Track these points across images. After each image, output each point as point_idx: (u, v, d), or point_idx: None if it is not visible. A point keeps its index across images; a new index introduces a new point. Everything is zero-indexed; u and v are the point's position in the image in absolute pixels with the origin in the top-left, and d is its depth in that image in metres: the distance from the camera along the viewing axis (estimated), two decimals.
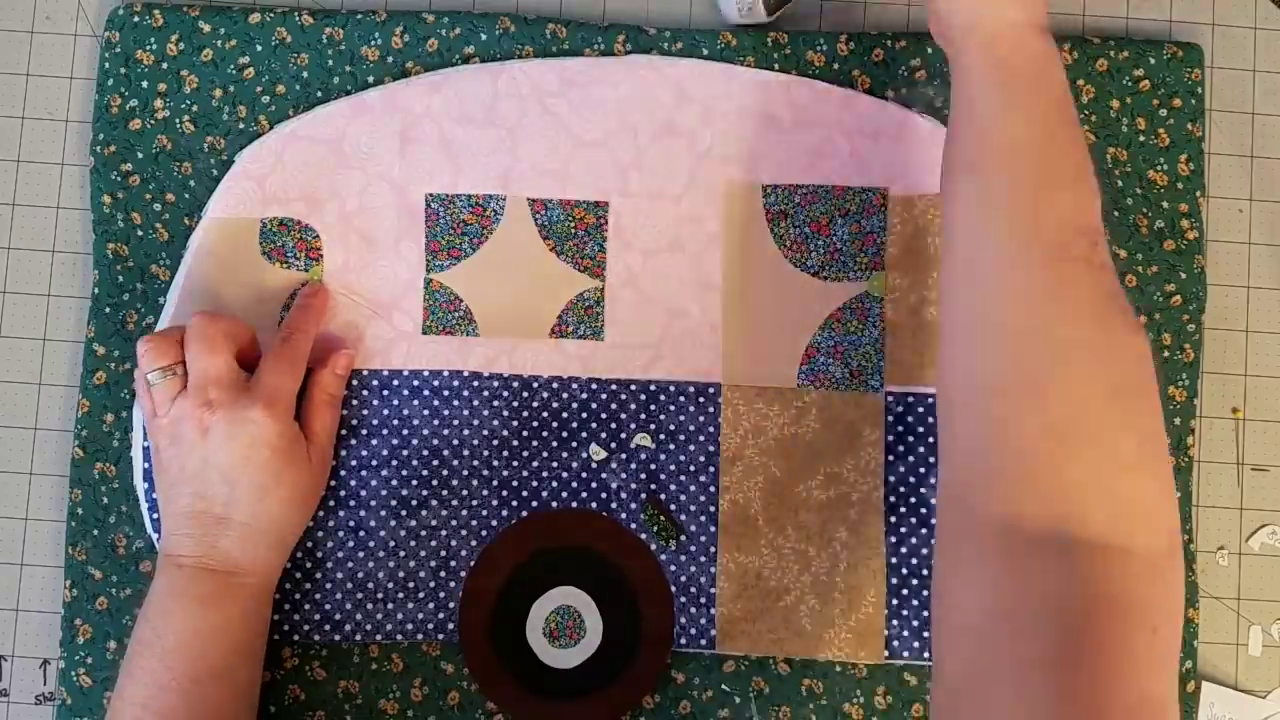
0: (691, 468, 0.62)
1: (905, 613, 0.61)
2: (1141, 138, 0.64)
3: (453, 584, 0.62)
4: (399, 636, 0.62)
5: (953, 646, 0.46)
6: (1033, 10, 0.52)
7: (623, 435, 0.63)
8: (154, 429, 0.57)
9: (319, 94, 0.65)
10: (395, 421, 0.63)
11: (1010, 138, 0.49)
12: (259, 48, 0.65)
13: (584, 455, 0.62)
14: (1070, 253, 0.47)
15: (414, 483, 0.62)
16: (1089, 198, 0.49)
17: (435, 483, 0.62)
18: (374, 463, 0.62)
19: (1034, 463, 0.45)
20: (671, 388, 0.63)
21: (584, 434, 0.63)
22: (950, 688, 0.45)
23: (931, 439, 0.62)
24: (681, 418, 0.63)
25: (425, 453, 0.63)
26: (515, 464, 0.62)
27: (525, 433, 0.63)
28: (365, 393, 0.63)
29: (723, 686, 0.62)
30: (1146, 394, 0.47)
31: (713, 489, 0.62)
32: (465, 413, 0.63)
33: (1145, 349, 0.47)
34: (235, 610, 0.56)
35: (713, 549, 0.62)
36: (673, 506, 0.62)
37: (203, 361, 0.56)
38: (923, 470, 0.62)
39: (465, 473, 0.62)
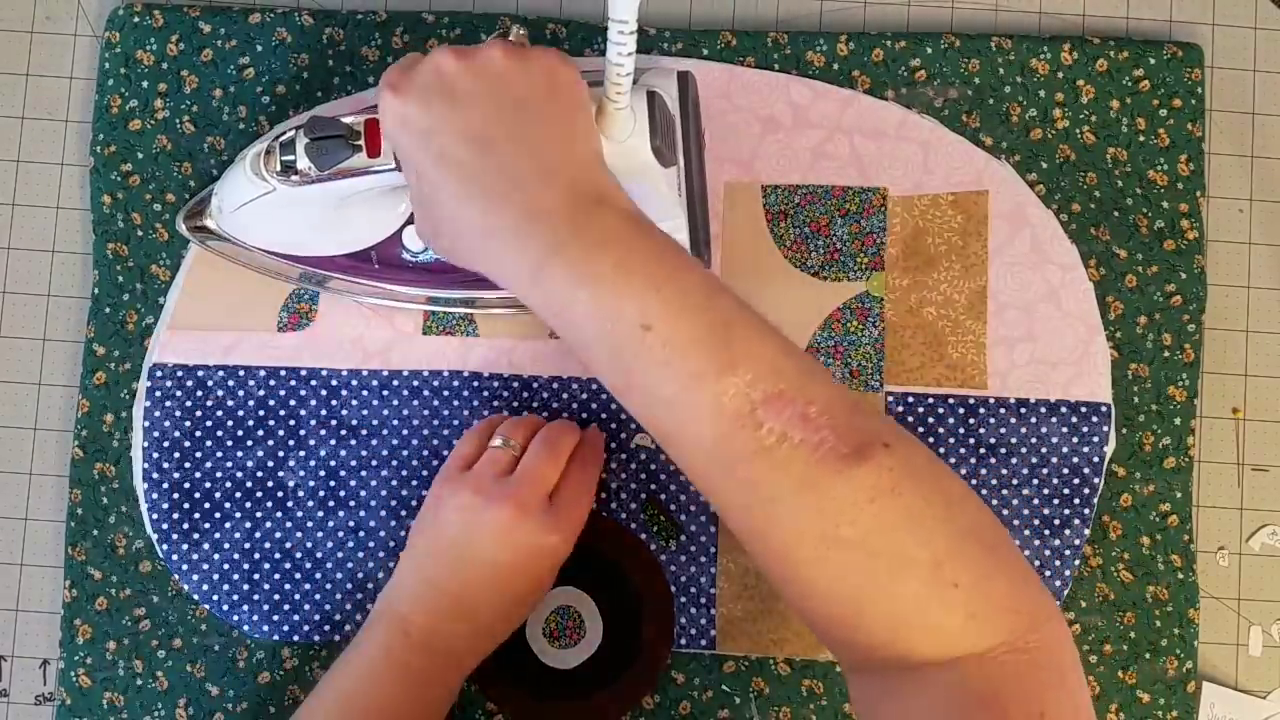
0: None
1: None
2: (1141, 138, 0.64)
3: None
4: None
5: None
6: (531, 245, 0.46)
7: (623, 435, 0.63)
8: (454, 480, 0.56)
9: (319, 94, 0.65)
10: (395, 421, 0.63)
11: (617, 373, 0.46)
12: (259, 48, 0.65)
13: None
14: (733, 449, 0.44)
15: (414, 483, 0.62)
16: (736, 377, 0.43)
17: None
18: (374, 463, 0.62)
19: (861, 602, 0.44)
20: None
21: None
22: None
23: (931, 439, 0.62)
24: None
25: (425, 453, 0.62)
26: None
27: None
28: (365, 393, 0.63)
29: (723, 686, 0.62)
30: (919, 509, 0.43)
31: None
32: (465, 413, 0.63)
33: (878, 478, 0.43)
34: (434, 694, 0.55)
35: (713, 549, 0.62)
36: (673, 506, 0.62)
37: (542, 466, 0.55)
38: None
39: None
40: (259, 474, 0.62)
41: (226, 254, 0.60)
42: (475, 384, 0.63)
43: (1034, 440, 0.62)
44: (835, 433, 0.43)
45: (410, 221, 0.57)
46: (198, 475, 0.62)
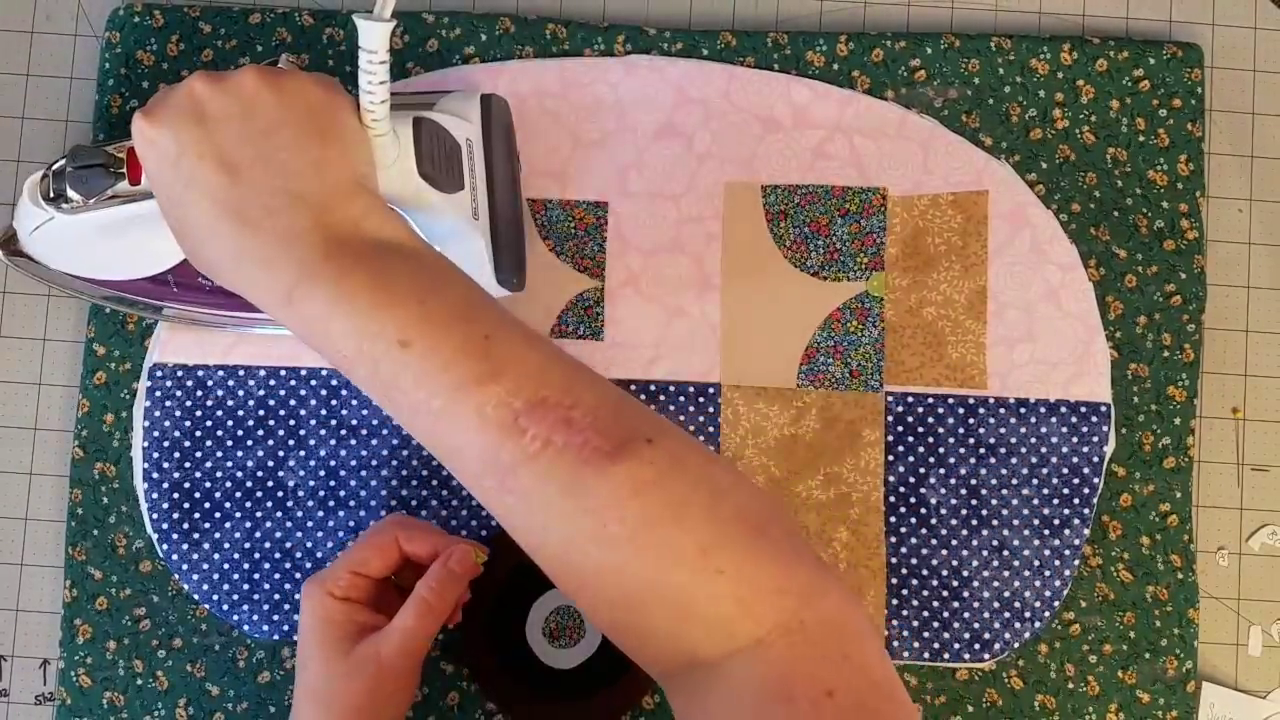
0: None
1: (905, 613, 0.61)
2: (1141, 138, 0.64)
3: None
4: None
5: None
6: (282, 268, 0.46)
7: None
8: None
9: None
10: (395, 422, 0.62)
11: (375, 391, 0.46)
12: (259, 48, 0.65)
13: None
14: (503, 462, 0.43)
15: (414, 483, 0.62)
16: (497, 386, 0.43)
17: (435, 483, 0.62)
18: (374, 463, 0.62)
19: (623, 629, 0.44)
20: (671, 388, 0.63)
21: None
22: None
23: (931, 439, 0.62)
24: (681, 418, 0.63)
25: (425, 453, 0.62)
26: None
27: None
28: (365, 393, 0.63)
29: None
30: (662, 514, 0.42)
31: None
32: None
33: (638, 471, 0.42)
34: None
35: None
36: None
37: (350, 551, 0.56)
38: (922, 470, 0.62)
39: None
40: (259, 474, 0.62)
41: (43, 277, 0.59)
42: None
43: (1034, 440, 0.62)
44: (598, 432, 0.42)
45: None
46: (198, 475, 0.62)
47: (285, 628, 0.62)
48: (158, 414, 0.62)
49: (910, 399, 0.63)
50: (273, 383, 0.63)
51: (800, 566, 0.43)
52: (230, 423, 0.63)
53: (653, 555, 0.42)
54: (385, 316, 0.44)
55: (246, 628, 0.62)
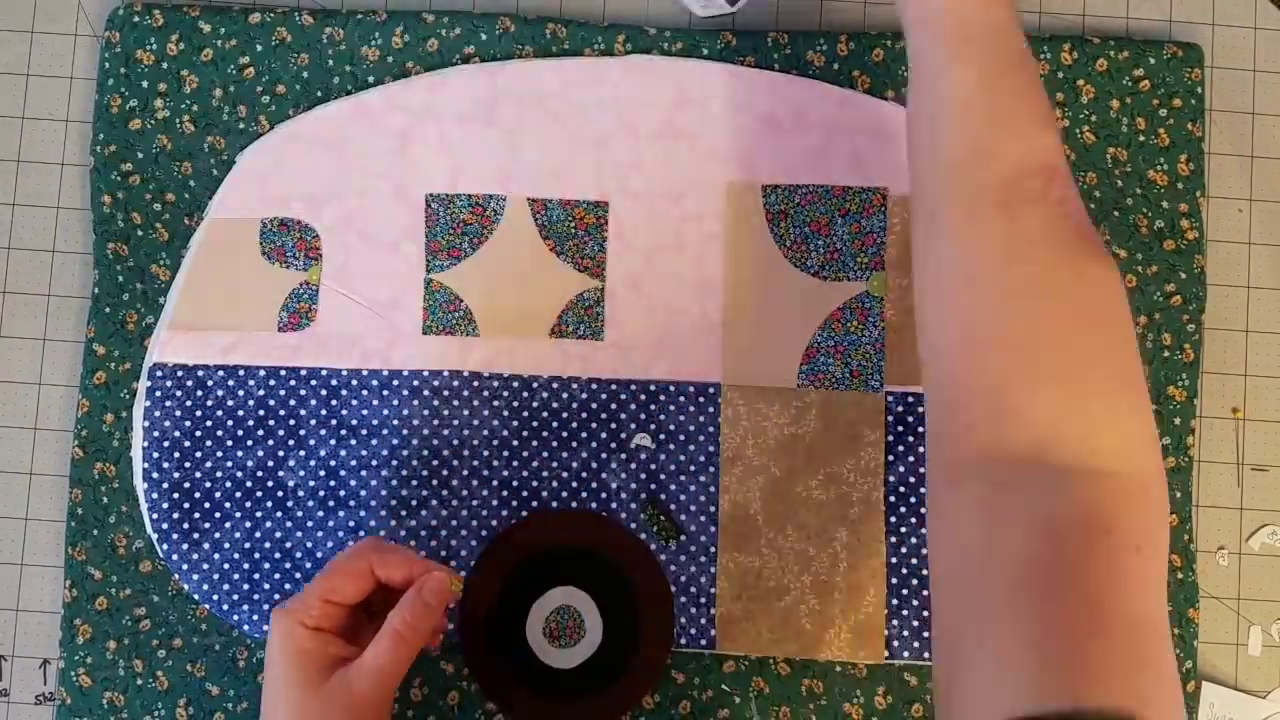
0: (691, 468, 0.62)
1: (905, 613, 0.61)
2: (1141, 138, 0.64)
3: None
4: None
5: (945, 582, 0.45)
6: None
7: (623, 435, 0.63)
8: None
9: (319, 94, 0.65)
10: (395, 421, 0.63)
11: (956, 89, 0.49)
12: (259, 48, 0.65)
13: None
14: (1023, 193, 0.47)
15: (414, 483, 0.62)
16: (1042, 137, 0.49)
17: (435, 483, 0.62)
18: (374, 463, 0.62)
19: (1005, 397, 0.45)
20: (671, 388, 0.63)
21: (584, 434, 0.63)
22: (945, 622, 0.44)
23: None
24: (681, 418, 0.63)
25: (425, 453, 0.63)
26: (515, 464, 0.62)
27: (525, 433, 0.63)
28: (365, 393, 0.63)
29: (723, 686, 0.62)
30: (1117, 323, 0.46)
31: (713, 489, 0.62)
32: (465, 413, 0.63)
33: (1113, 281, 0.47)
34: None
35: (713, 549, 0.62)
36: (673, 506, 0.62)
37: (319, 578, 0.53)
38: (923, 470, 0.62)
39: (465, 473, 0.62)
40: (259, 474, 0.62)
41: None
42: (475, 384, 0.63)
43: None
44: (1090, 228, 0.48)
45: None
46: (198, 475, 0.62)
47: None
48: (158, 414, 0.62)
49: (911, 399, 0.63)
50: (273, 383, 0.63)
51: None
52: (230, 423, 0.63)
53: (1087, 354, 0.46)
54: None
55: (246, 628, 0.62)
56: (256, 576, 0.62)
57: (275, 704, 0.51)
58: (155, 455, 0.62)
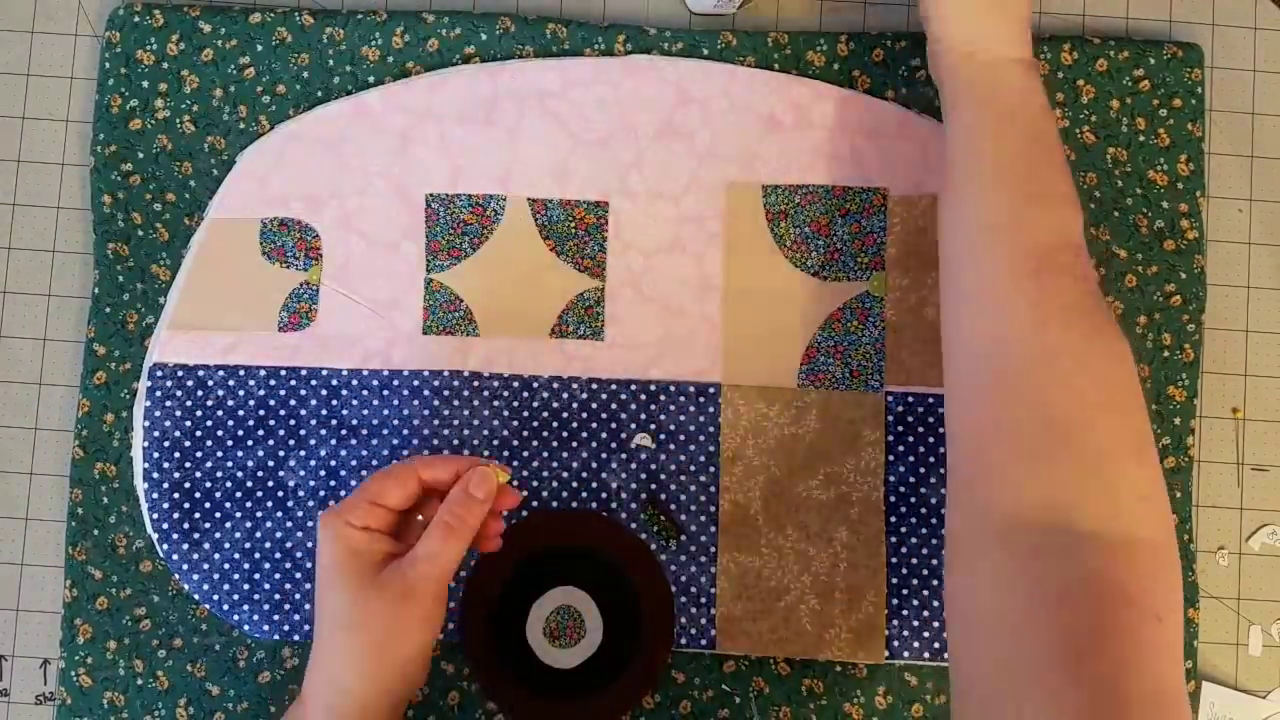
0: (691, 468, 0.62)
1: (905, 613, 0.61)
2: (1141, 138, 0.64)
3: (453, 584, 0.61)
4: None
5: (967, 647, 0.47)
6: (1018, 46, 0.55)
7: (623, 435, 0.63)
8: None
9: (319, 94, 0.65)
10: (395, 421, 0.63)
11: (997, 162, 0.53)
12: (259, 48, 0.65)
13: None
14: (1054, 264, 0.50)
15: None
16: (1072, 215, 0.52)
17: None
18: (374, 463, 0.62)
19: (1030, 457, 0.47)
20: (671, 388, 0.63)
21: (584, 434, 0.63)
22: (969, 689, 0.46)
23: (932, 439, 0.62)
24: (681, 418, 0.63)
25: (425, 453, 0.62)
26: (515, 464, 0.63)
27: (525, 433, 0.63)
28: (365, 393, 0.63)
29: (723, 686, 0.62)
30: (1132, 393, 0.49)
31: (713, 489, 0.62)
32: (465, 413, 0.63)
33: (1127, 352, 0.50)
34: None
35: (713, 549, 0.62)
36: (673, 506, 0.62)
37: (367, 484, 0.53)
38: (923, 470, 0.62)
39: None
40: (259, 474, 0.62)
41: None
42: (475, 384, 0.63)
43: None
44: (1107, 307, 0.51)
45: None
46: (198, 475, 0.62)
47: (285, 628, 0.62)
48: (158, 414, 0.62)
49: (910, 399, 0.63)
50: (273, 383, 0.63)
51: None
52: (230, 423, 0.63)
53: (1110, 405, 0.49)
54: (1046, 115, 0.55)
55: (246, 628, 0.62)
56: (256, 576, 0.62)
57: (330, 598, 0.51)
58: (155, 455, 0.62)
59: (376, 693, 0.51)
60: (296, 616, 0.62)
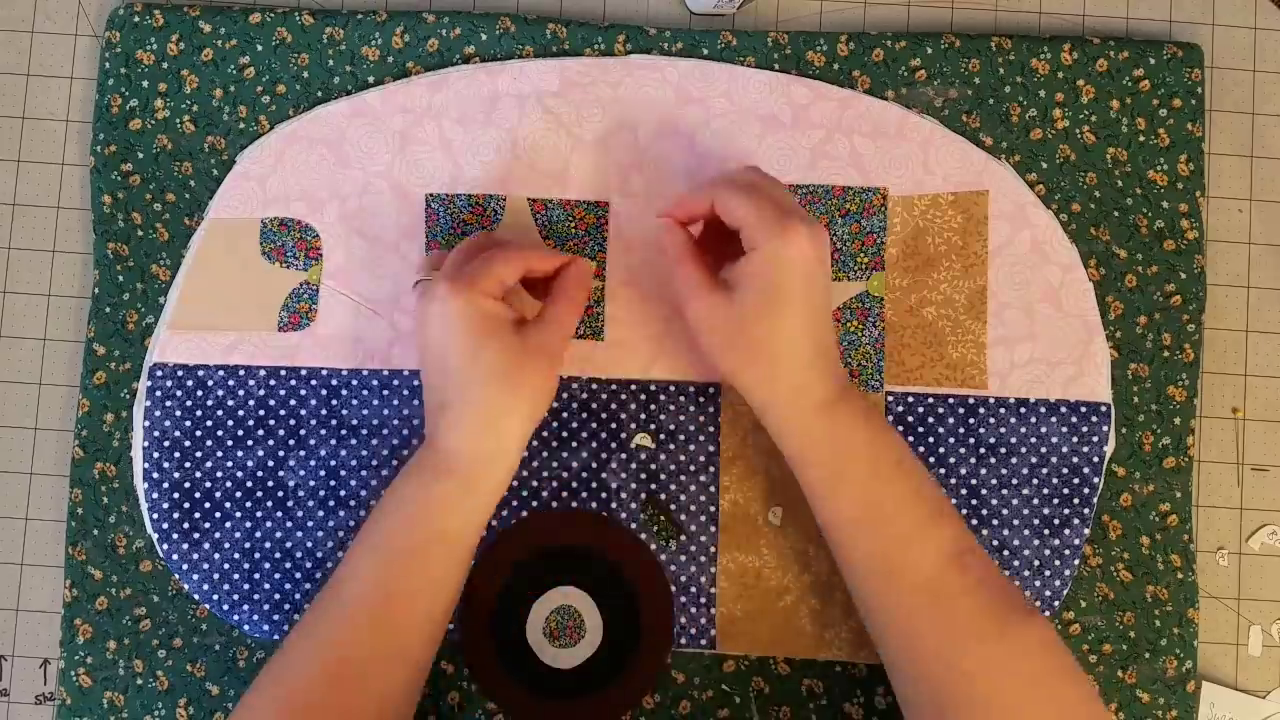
0: (691, 468, 0.62)
1: None
2: (1141, 138, 0.65)
3: None
4: None
5: None
6: (833, 381, 0.55)
7: (623, 435, 0.63)
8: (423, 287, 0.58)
9: (319, 94, 0.65)
10: (395, 421, 0.63)
11: (848, 512, 0.55)
12: (259, 48, 0.65)
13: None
14: (945, 590, 0.53)
15: None
16: (944, 531, 0.54)
17: None
18: (374, 463, 0.62)
19: None
20: (671, 388, 0.63)
21: (584, 434, 0.63)
22: None
23: (931, 439, 0.62)
24: (681, 418, 0.63)
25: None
26: None
27: None
28: (365, 393, 0.63)
29: (723, 686, 0.62)
30: (1061, 671, 0.52)
31: (713, 489, 0.62)
32: None
33: (1046, 628, 0.52)
34: (441, 490, 0.55)
35: (713, 549, 0.62)
36: (673, 506, 0.62)
37: (495, 259, 0.56)
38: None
39: None
40: (259, 474, 0.62)
41: None
42: None
43: (1034, 440, 0.62)
44: (1014, 591, 0.54)
45: None
46: (198, 475, 0.62)
47: (285, 628, 0.62)
48: (158, 414, 0.62)
49: (910, 399, 0.63)
50: (273, 383, 0.63)
51: None
52: (230, 423, 0.63)
53: (1046, 699, 0.52)
54: (892, 443, 0.55)
55: (246, 628, 0.62)
56: (256, 576, 0.62)
57: (481, 359, 0.54)
58: (155, 455, 0.62)
59: (527, 435, 0.56)
60: (296, 616, 0.62)
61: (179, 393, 0.63)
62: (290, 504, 0.62)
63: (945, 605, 0.52)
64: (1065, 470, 0.62)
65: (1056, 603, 0.62)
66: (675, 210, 0.57)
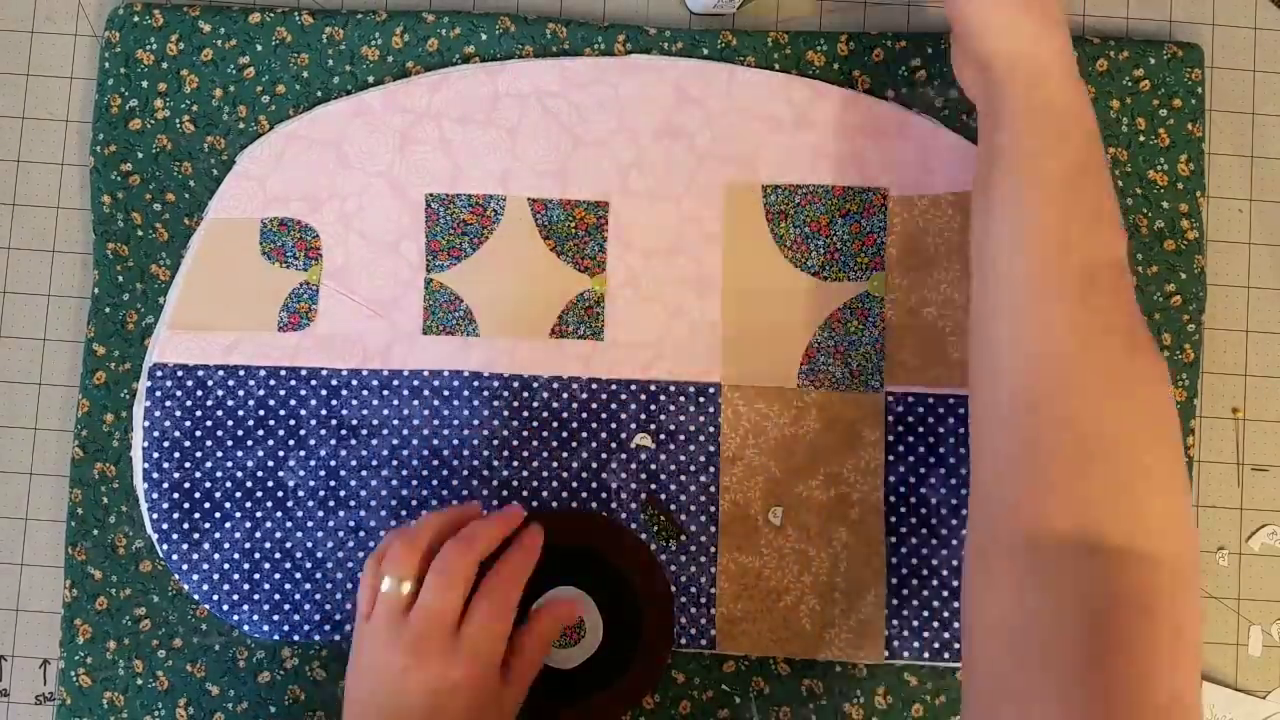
0: (691, 468, 0.62)
1: (905, 613, 0.61)
2: (1141, 138, 0.65)
3: None
4: None
5: (984, 652, 0.47)
6: (1062, 56, 0.54)
7: (623, 435, 0.63)
8: (362, 630, 0.54)
9: (319, 94, 0.65)
10: (395, 421, 0.63)
11: (1046, 183, 0.52)
12: (259, 48, 0.65)
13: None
14: (1098, 285, 0.50)
15: (414, 483, 0.62)
16: (1117, 235, 0.52)
17: (435, 483, 0.62)
18: (374, 463, 0.62)
19: (1059, 475, 0.47)
20: (671, 388, 0.63)
21: (584, 434, 0.63)
22: (982, 692, 0.47)
23: (931, 439, 0.62)
24: (681, 418, 0.63)
25: (425, 453, 0.63)
26: (515, 464, 0.63)
27: (525, 433, 0.63)
28: (365, 393, 0.63)
29: (723, 686, 0.62)
30: (1168, 416, 0.49)
31: (713, 489, 0.62)
32: (465, 413, 0.63)
33: (1164, 375, 0.50)
34: None
35: (713, 549, 0.62)
36: (673, 506, 0.62)
37: (435, 600, 0.52)
38: (923, 470, 0.62)
39: (465, 473, 0.62)
40: (259, 474, 0.62)
41: None
42: (475, 384, 0.63)
43: None
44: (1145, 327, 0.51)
45: None
46: (198, 475, 0.62)
47: (285, 628, 0.62)
48: (158, 414, 0.62)
49: (910, 399, 0.63)
50: (273, 383, 0.63)
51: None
52: (230, 423, 0.63)
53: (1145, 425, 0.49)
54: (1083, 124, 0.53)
55: (246, 628, 0.62)
56: (256, 576, 0.62)
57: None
58: (155, 455, 0.62)
59: None
60: (296, 616, 0.62)
61: (179, 393, 0.63)
62: (290, 504, 0.62)
63: (1094, 300, 0.50)
64: None
65: None
66: None
